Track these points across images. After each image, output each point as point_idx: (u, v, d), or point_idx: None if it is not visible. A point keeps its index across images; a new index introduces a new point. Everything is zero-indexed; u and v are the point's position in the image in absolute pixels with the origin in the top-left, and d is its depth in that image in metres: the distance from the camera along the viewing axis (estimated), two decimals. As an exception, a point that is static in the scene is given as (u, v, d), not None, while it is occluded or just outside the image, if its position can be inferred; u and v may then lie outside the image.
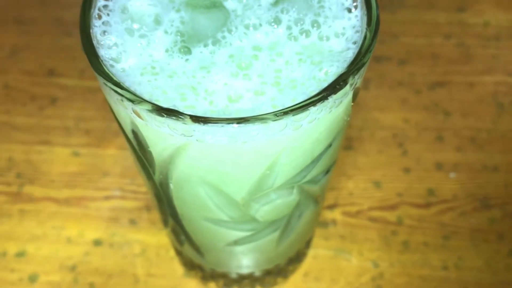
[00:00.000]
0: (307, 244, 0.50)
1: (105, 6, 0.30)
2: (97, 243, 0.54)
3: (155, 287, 0.51)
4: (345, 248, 0.54)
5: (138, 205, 0.56)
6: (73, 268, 0.53)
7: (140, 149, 0.30)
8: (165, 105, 0.26)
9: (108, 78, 0.25)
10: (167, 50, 0.29)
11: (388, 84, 0.65)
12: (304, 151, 0.29)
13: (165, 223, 0.42)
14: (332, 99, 0.25)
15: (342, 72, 0.26)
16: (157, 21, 0.29)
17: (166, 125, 0.25)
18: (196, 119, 0.24)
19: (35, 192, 0.57)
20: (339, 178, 0.58)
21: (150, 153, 0.29)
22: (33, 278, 0.52)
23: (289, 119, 0.25)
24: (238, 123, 0.24)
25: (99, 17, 0.29)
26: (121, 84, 0.25)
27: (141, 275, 0.52)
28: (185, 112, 0.24)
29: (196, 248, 0.41)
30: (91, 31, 0.27)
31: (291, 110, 0.24)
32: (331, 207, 0.56)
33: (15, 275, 0.52)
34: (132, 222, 0.55)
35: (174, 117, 0.24)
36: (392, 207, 0.56)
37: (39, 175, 0.58)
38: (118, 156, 0.59)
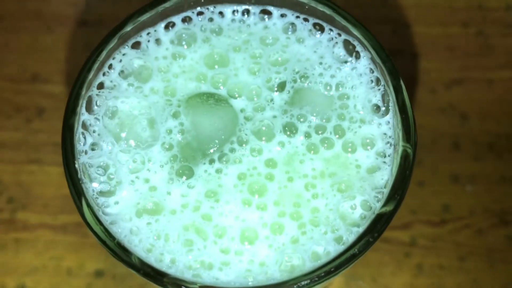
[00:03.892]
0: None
1: (88, 121, 0.25)
2: (99, 274, 0.52)
3: (162, 321, 0.50)
4: (357, 274, 0.52)
5: (139, 231, 0.54)
6: (76, 303, 0.51)
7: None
8: (168, 259, 0.22)
9: (100, 239, 0.21)
10: (166, 172, 0.25)
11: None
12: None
13: None
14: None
15: (374, 212, 0.23)
16: (153, 135, 0.25)
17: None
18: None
19: (30, 219, 0.54)
20: (350, 195, 0.55)
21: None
22: (35, 315, 0.50)
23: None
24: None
25: (84, 136, 0.24)
26: (116, 249, 0.21)
27: (147, 308, 0.51)
28: (191, 280, 0.21)
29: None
30: (76, 163, 0.23)
31: (309, 283, 0.21)
32: (342, 227, 0.54)
33: (16, 312, 0.51)
34: (134, 250, 0.53)
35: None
36: (406, 226, 0.54)
37: (32, 199, 0.55)
38: (115, 176, 0.56)
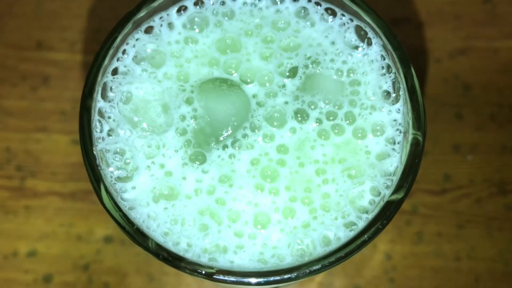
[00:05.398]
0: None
1: (104, 108, 0.25)
2: (108, 240, 0.53)
3: (171, 285, 0.52)
4: (359, 241, 0.53)
5: (146, 199, 0.55)
6: (86, 268, 0.52)
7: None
8: (184, 243, 0.23)
9: (119, 225, 0.22)
10: (180, 157, 0.25)
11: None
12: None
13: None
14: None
15: (384, 199, 0.23)
16: (167, 121, 0.25)
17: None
18: (216, 276, 0.22)
19: (38, 187, 0.55)
20: (353, 164, 0.55)
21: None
22: (47, 279, 0.52)
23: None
24: (263, 284, 0.22)
25: (100, 124, 0.25)
26: (135, 235, 0.22)
27: (156, 273, 0.52)
28: (207, 264, 0.22)
29: None
30: (94, 149, 0.24)
31: (320, 268, 0.22)
32: (345, 196, 0.55)
33: (29, 276, 0.52)
34: (142, 217, 0.54)
35: (195, 274, 0.22)
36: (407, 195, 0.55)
37: (41, 167, 0.56)
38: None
